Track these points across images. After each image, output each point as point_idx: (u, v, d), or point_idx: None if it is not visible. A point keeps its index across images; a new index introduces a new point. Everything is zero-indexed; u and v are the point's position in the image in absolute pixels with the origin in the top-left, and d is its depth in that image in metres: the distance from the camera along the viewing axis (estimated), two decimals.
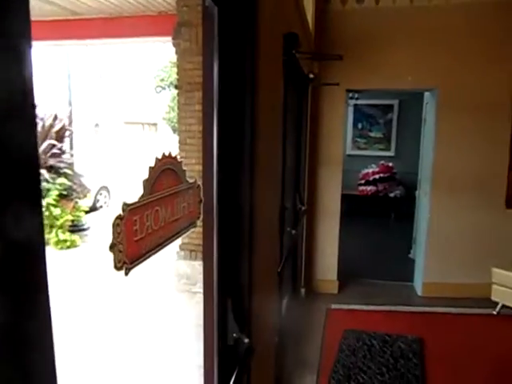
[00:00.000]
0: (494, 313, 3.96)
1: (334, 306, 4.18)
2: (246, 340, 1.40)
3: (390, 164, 8.12)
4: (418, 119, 5.47)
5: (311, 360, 3.24)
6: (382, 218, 8.11)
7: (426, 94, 4.85)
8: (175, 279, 4.58)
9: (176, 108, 4.89)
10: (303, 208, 3.77)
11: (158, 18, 5.09)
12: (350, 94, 7.61)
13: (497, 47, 4.02)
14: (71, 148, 7.40)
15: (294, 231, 3.02)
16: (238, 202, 1.37)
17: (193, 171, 4.10)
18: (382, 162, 8.15)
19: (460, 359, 3.24)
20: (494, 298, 3.95)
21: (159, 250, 0.84)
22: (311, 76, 3.29)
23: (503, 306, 3.91)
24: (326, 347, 3.40)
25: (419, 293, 4.51)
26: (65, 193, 6.48)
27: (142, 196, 0.75)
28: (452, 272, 4.37)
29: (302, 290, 4.32)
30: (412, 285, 4.73)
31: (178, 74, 4.50)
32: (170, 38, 4.52)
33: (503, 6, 3.95)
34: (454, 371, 3.08)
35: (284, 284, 3.27)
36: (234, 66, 1.32)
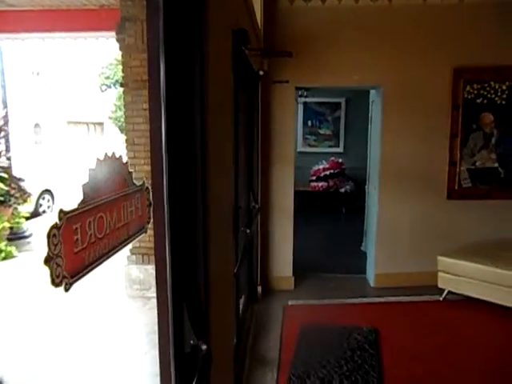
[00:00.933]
0: (441, 299, 4.17)
1: (290, 302, 4.21)
2: (204, 347, 1.35)
3: (340, 160, 8.35)
4: (364, 116, 5.65)
5: (271, 358, 3.24)
6: (334, 213, 8.34)
7: (372, 91, 5.01)
8: (127, 285, 4.40)
9: (123, 107, 4.69)
10: (257, 206, 3.76)
11: (99, 11, 4.85)
12: (300, 92, 7.74)
13: (438, 46, 4.22)
14: (8, 150, 6.87)
15: (248, 230, 2.99)
16: (191, 203, 1.31)
17: (142, 172, 3.96)
18: (332, 158, 8.36)
19: (412, 345, 3.38)
20: (440, 285, 4.16)
21: (106, 259, 0.77)
22: (261, 73, 3.27)
23: (449, 292, 4.14)
24: (285, 344, 3.41)
25: (372, 284, 4.66)
26: (1, 199, 6.02)
27: (83, 202, 0.68)
28: (401, 262, 4.55)
29: (259, 288, 4.32)
30: (365, 277, 4.88)
31: (123, 71, 4.31)
32: (113, 34, 4.32)
33: (445, 8, 4.16)
34: (407, 357, 3.21)
35: (241, 284, 3.24)
36: (182, 62, 1.26)
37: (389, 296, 4.31)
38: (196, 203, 1.32)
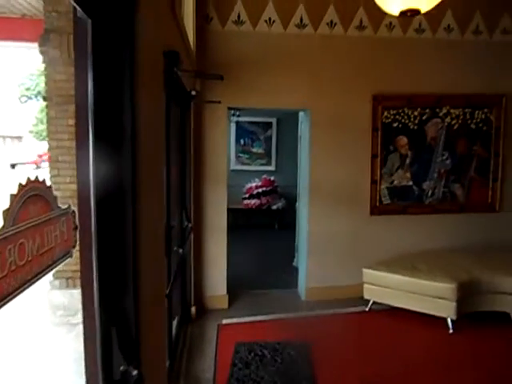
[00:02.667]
0: (367, 309, 4.42)
1: (225, 321, 4.19)
2: (135, 372, 1.31)
3: (272, 178, 8.58)
4: (294, 136, 5.91)
5: (206, 378, 3.19)
6: (267, 230, 8.51)
7: (301, 113, 5.26)
8: (50, 312, 4.09)
9: (45, 121, 4.44)
10: (190, 225, 3.74)
11: (20, 21, 4.60)
12: (232, 112, 7.88)
13: (359, 74, 4.57)
14: None
15: (181, 250, 2.96)
16: (119, 224, 1.29)
17: (68, 191, 3.75)
18: (265, 176, 8.57)
19: (342, 355, 3.53)
20: (365, 296, 4.41)
21: (29, 286, 0.74)
22: (193, 93, 3.31)
23: (374, 303, 4.40)
24: (220, 363, 3.38)
25: (303, 298, 4.79)
26: None
27: (3, 228, 0.65)
28: (331, 275, 4.76)
29: (193, 309, 4.25)
30: (297, 291, 5.02)
31: (46, 84, 4.09)
32: (36, 45, 4.10)
33: (363, 39, 4.53)
34: (338, 368, 3.33)
35: (174, 305, 3.18)
36: (111, 82, 1.25)
37: (319, 309, 4.47)
38: (125, 224, 1.30)
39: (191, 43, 3.61)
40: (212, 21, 4.26)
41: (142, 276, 1.44)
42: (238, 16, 4.29)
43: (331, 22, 4.45)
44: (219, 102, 3.94)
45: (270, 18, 4.35)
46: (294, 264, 5.81)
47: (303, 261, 4.89)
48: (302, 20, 4.40)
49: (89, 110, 1.16)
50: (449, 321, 3.92)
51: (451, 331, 3.89)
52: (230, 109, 4.76)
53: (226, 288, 4.58)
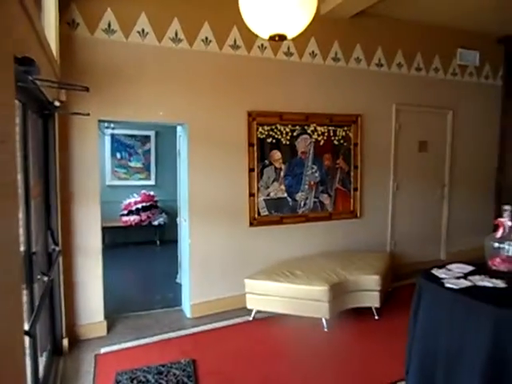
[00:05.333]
0: (250, 319, 4.53)
1: (103, 350, 3.87)
2: None
3: (152, 193, 8.31)
4: (174, 149, 5.83)
5: None
6: (148, 246, 8.22)
7: (179, 127, 5.22)
8: None
9: None
10: (58, 248, 3.38)
11: None
12: (106, 124, 7.45)
13: (234, 91, 4.72)
14: None
15: (47, 277, 2.64)
16: None
17: None
18: (144, 191, 8.26)
19: (229, 368, 3.53)
20: (248, 306, 4.52)
21: None
22: (57, 104, 3.01)
23: (257, 311, 4.53)
24: None
25: (188, 315, 4.70)
26: None
27: None
28: (215, 289, 4.77)
29: (65, 341, 3.83)
30: (181, 309, 4.90)
31: None
32: None
33: (237, 58, 4.70)
34: (225, 380, 3.33)
35: (39, 340, 2.82)
36: None
37: (205, 324, 4.44)
38: None
39: (54, 50, 3.30)
40: (78, 26, 3.96)
41: None
42: (109, 24, 4.09)
43: (206, 38, 4.54)
44: (88, 115, 3.66)
45: (143, 30, 4.24)
46: (178, 280, 5.68)
47: (186, 276, 4.81)
48: (177, 34, 4.39)
49: None
50: (323, 320, 4.25)
51: (326, 330, 4.22)
52: (101, 121, 4.47)
53: (104, 313, 4.24)
